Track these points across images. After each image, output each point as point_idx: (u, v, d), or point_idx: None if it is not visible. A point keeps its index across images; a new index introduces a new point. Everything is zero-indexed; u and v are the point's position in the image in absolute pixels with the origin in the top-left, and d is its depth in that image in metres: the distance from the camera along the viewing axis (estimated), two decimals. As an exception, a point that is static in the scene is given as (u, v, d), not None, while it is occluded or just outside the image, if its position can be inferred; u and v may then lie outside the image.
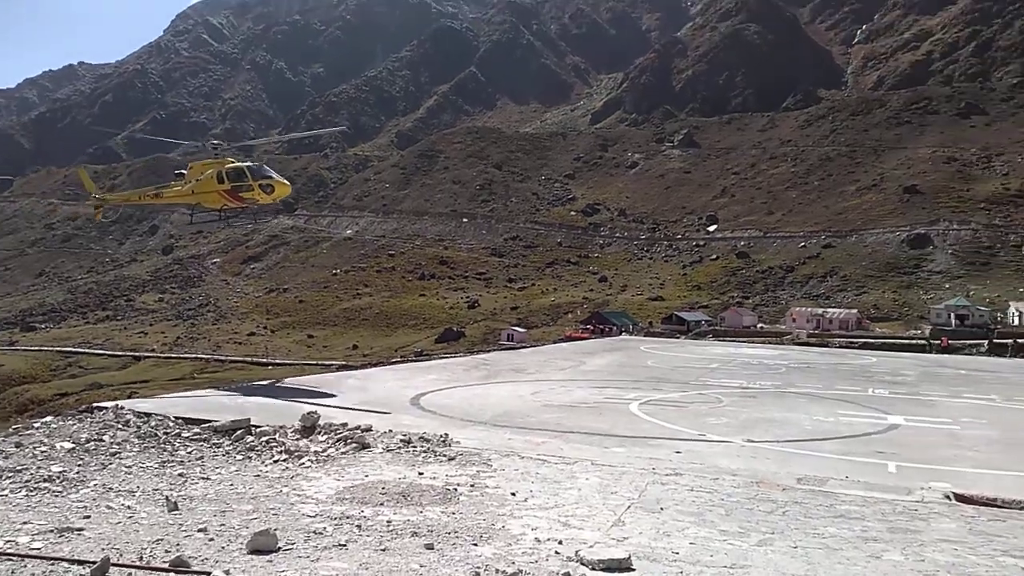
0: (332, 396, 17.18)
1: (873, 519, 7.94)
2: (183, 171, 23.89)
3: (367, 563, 5.83)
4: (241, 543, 6.18)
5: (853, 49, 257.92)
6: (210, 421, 12.06)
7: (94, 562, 5.45)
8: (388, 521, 7.00)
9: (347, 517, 7.11)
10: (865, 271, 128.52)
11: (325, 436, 11.54)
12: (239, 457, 10.31)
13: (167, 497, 7.56)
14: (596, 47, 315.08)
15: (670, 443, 12.81)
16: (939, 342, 67.96)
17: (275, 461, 10.10)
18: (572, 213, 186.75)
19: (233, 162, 22.36)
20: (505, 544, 6.46)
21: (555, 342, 62.55)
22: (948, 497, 9.47)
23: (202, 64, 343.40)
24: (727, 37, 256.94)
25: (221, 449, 10.75)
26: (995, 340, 78.93)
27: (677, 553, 6.45)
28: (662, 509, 7.99)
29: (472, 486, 8.63)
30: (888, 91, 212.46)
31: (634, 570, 5.95)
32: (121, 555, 5.86)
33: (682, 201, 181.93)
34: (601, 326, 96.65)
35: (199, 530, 6.57)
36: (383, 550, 6.15)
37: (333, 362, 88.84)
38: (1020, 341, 71.04)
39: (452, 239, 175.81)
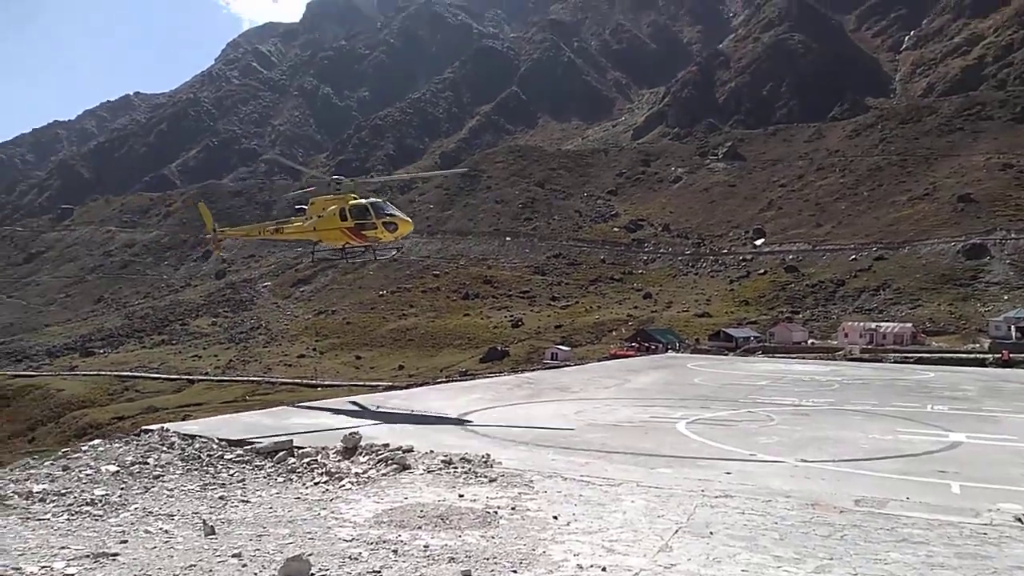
0: (373, 417, 17.12)
1: (939, 543, 7.45)
2: (303, 205, 23.65)
3: (400, 591, 5.65)
4: (274, 569, 6.06)
5: (901, 55, 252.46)
6: (253, 443, 12.07)
7: (125, 589, 5.38)
8: (425, 546, 6.81)
9: (384, 542, 6.94)
10: (919, 283, 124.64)
11: (366, 457, 11.44)
12: (280, 479, 10.26)
13: (204, 521, 7.50)
14: (637, 62, 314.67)
15: (719, 463, 12.37)
16: (1000, 355, 65.27)
17: (315, 483, 10.02)
18: (615, 229, 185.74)
19: (356, 199, 21.92)
20: (545, 571, 6.21)
21: (600, 360, 61.95)
22: (1019, 519, 8.91)
23: (252, 91, 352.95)
24: (770, 47, 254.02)
25: (263, 471, 10.72)
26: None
27: (728, 581, 6.12)
28: (712, 533, 7.64)
29: (513, 509, 8.39)
30: (939, 98, 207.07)
31: (682, 599, 5.64)
32: (154, 581, 5.79)
33: (727, 215, 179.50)
34: (646, 344, 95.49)
35: (233, 555, 6.47)
36: (418, 577, 5.97)
37: (380, 383, 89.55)
38: None
39: (495, 258, 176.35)
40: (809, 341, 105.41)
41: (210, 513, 8.15)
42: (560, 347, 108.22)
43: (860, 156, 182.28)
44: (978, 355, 78.30)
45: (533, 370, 65.27)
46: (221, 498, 9.00)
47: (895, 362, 63.57)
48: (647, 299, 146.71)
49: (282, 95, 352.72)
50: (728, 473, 11.48)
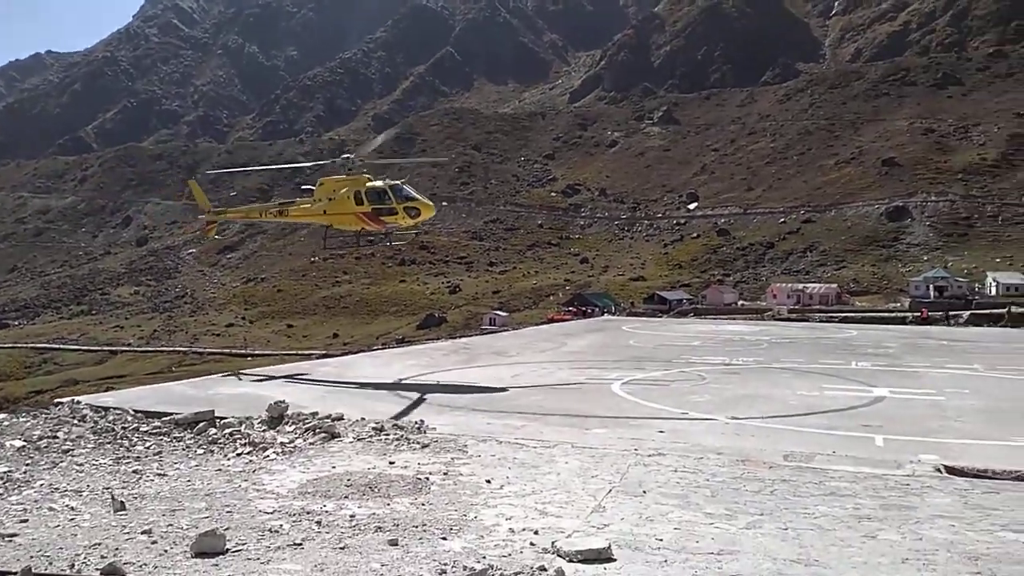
0: (304, 383, 16.66)
1: (865, 496, 7.58)
2: (310, 187, 22.18)
3: (322, 563, 5.35)
4: (186, 545, 5.69)
5: (831, 21, 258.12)
6: (172, 414, 11.52)
7: (14, 573, 4.93)
8: (351, 516, 6.52)
9: (307, 513, 6.62)
10: (844, 245, 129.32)
11: (293, 426, 11.04)
12: (200, 451, 9.79)
13: (113, 496, 7.03)
14: (574, 24, 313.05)
15: (653, 423, 12.45)
16: (919, 313, 68.39)
17: (238, 454, 9.58)
18: (552, 194, 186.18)
19: (371, 179, 20.41)
20: (477, 536, 6.01)
21: (537, 325, 62.27)
22: (939, 469, 9.18)
23: (173, 50, 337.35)
24: (705, 11, 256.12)
25: (181, 443, 10.22)
26: (975, 311, 79.69)
27: (661, 540, 6.04)
28: (645, 492, 7.59)
29: (445, 474, 8.18)
30: (866, 63, 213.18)
31: (615, 560, 5.53)
32: (51, 563, 5.34)
33: (662, 179, 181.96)
34: (583, 308, 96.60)
35: (143, 532, 6.05)
36: (342, 548, 5.67)
37: (314, 351, 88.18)
38: (1016, 311, 71.91)
39: (431, 223, 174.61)
40: (739, 302, 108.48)
41: (122, 488, 7.67)
42: (498, 312, 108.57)
43: (790, 121, 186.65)
44: (899, 313, 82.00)
45: (470, 336, 65.25)
46: (135, 472, 8.50)
47: (821, 321, 65.84)
48: (584, 264, 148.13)
49: (205, 54, 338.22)
50: (661, 432, 11.53)
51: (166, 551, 5.62)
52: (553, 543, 5.77)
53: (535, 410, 13.53)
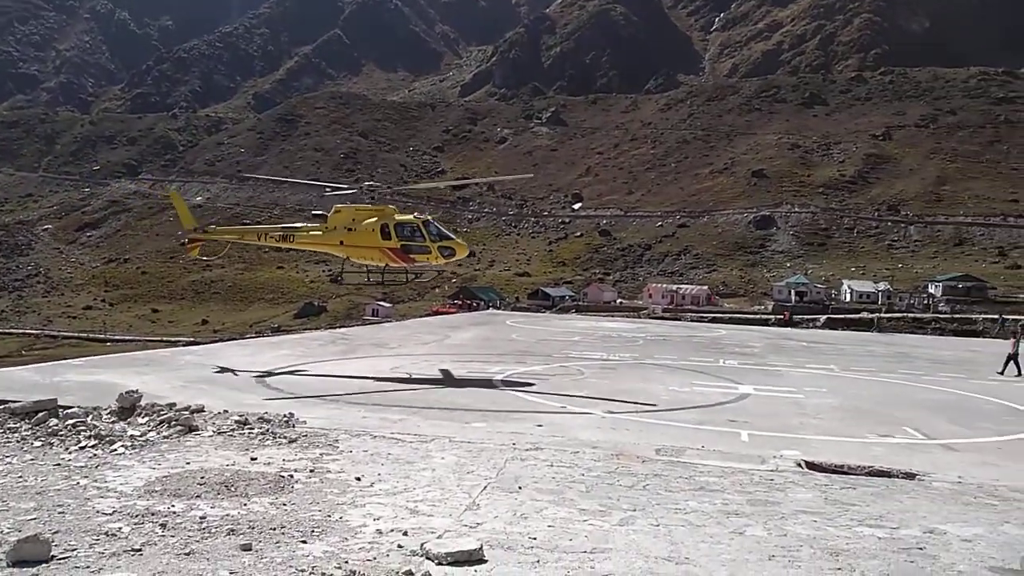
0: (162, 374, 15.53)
1: (733, 491, 7.75)
2: (321, 212, 20.01)
3: (162, 571, 4.80)
4: (2, 553, 4.98)
5: (711, 36, 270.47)
6: (9, 402, 10.35)
7: None
8: (202, 517, 5.95)
9: (152, 514, 5.99)
10: (715, 250, 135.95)
11: (146, 418, 10.18)
12: (37, 444, 8.81)
13: (-80, 497, 6.13)
14: (466, 17, 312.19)
15: (532, 416, 12.41)
16: (782, 316, 72.75)
17: (81, 448, 8.68)
18: (441, 186, 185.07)
19: (397, 212, 18.59)
20: (340, 539, 5.62)
21: (422, 317, 61.68)
22: (800, 465, 9.57)
23: (32, 10, 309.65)
24: (594, 16, 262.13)
25: (16, 435, 9.17)
26: (831, 315, 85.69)
27: (534, 539, 5.88)
28: (520, 488, 7.45)
29: (312, 471, 7.70)
30: (741, 78, 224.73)
31: (486, 561, 5.31)
32: None
33: (549, 178, 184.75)
34: (469, 301, 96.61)
35: (-48, 538, 5.28)
36: (187, 554, 5.13)
37: (181, 338, 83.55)
38: (883, 316, 77.54)
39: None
40: (618, 300, 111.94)
41: (-64, 487, 6.73)
42: (381, 303, 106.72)
43: (670, 129, 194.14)
44: (763, 315, 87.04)
45: (351, 326, 63.68)
46: (-45, 469, 7.51)
47: (692, 321, 68.92)
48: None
49: (69, 16, 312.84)
50: (539, 426, 11.51)
51: (-23, 560, 4.90)
52: (422, 545, 5.48)
53: (414, 403, 13.20)
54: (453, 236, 19.20)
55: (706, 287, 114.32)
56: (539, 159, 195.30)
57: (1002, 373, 22.71)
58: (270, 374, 16.30)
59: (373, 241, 18.36)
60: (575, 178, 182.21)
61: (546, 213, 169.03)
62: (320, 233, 19.45)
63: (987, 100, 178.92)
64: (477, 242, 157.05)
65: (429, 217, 19.23)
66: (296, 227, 20.76)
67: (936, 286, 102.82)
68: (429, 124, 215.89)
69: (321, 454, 8.57)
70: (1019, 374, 22.62)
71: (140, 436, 9.34)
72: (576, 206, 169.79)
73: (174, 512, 6.06)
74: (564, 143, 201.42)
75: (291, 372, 16.97)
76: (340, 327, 61.45)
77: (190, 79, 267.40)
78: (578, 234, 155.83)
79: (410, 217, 18.71)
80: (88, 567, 4.86)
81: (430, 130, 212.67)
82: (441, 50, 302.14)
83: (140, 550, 5.16)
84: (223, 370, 16.56)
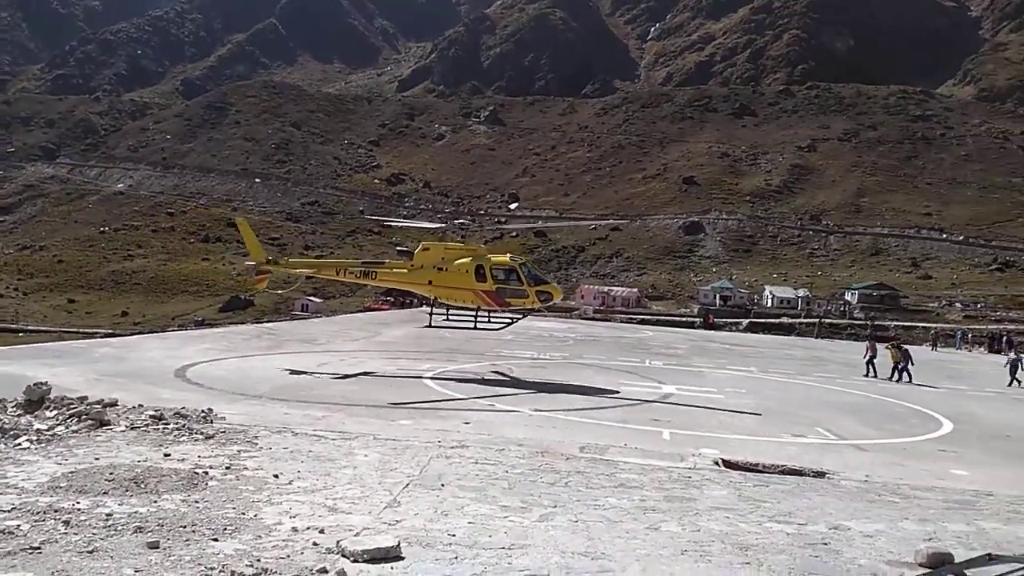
0: (74, 365, 14.87)
1: (651, 488, 7.93)
2: (406, 249, 19.41)
3: (63, 570, 4.60)
4: None
5: (647, 45, 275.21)
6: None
7: None
8: (108, 514, 5.72)
9: (55, 511, 5.73)
10: (646, 253, 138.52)
11: (54, 411, 9.74)
12: (-69, 438, 8.31)
13: None
14: (405, 12, 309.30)
15: (460, 414, 12.41)
16: (706, 319, 74.64)
17: (-20, 442, 8.23)
18: (376, 181, 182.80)
19: (487, 253, 18.01)
20: (253, 537, 5.49)
21: (353, 313, 60.82)
22: (717, 463, 9.87)
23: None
24: (534, 19, 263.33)
25: (-93, 429, 8.63)
26: (753, 319, 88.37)
27: (454, 535, 5.88)
28: (443, 486, 7.44)
29: (228, 468, 7.51)
30: (675, 87, 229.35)
31: (403, 558, 5.27)
32: None
33: (486, 177, 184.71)
34: (402, 298, 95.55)
35: None
36: (90, 552, 4.92)
37: (99, 330, 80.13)
38: (827, 322, 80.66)
39: (242, 200, 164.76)
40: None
41: None
42: (311, 298, 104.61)
43: (606, 134, 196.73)
44: (689, 318, 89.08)
45: (279, 321, 62.30)
46: None
47: (622, 322, 70.11)
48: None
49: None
50: (467, 423, 11.53)
51: None
52: (339, 542, 5.40)
53: (340, 400, 13.03)
54: (549, 280, 18.94)
55: (636, 290, 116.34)
56: (477, 157, 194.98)
57: (866, 376, 24.55)
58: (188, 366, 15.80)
59: (467, 283, 17.83)
60: (512, 178, 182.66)
61: (482, 212, 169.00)
62: (406, 271, 18.98)
63: (905, 117, 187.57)
64: (412, 239, 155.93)
65: (526, 261, 18.93)
66: (379, 262, 20.41)
67: (852, 293, 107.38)
68: (365, 118, 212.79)
69: (239, 451, 8.37)
70: (875, 376, 24.52)
71: (47, 430, 8.93)
72: (513, 206, 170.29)
73: (79, 509, 5.81)
74: (502, 143, 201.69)
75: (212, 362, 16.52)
76: (267, 322, 60.14)
77: (116, 62, 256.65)
78: (514, 234, 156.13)
79: (505, 259, 18.18)
80: (-20, 567, 4.63)
81: (366, 123, 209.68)
82: (379, 44, 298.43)
83: (39, 548, 4.93)
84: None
